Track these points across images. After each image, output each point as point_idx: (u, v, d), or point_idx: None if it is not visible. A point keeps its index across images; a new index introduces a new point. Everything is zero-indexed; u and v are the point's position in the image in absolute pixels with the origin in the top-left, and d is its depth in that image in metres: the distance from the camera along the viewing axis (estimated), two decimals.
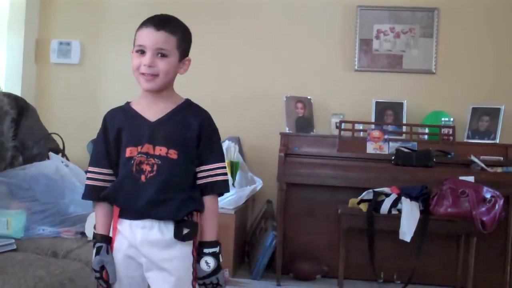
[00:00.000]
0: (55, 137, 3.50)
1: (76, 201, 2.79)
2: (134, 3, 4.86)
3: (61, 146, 3.49)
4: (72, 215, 2.77)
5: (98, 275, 1.77)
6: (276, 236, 4.01)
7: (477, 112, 4.41)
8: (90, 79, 5.01)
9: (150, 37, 1.75)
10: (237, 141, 4.58)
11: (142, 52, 1.75)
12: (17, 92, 4.34)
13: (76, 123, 4.83)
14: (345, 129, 4.28)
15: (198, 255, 1.78)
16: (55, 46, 4.97)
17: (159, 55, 1.75)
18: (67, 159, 3.32)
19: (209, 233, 1.80)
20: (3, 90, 3.11)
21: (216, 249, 1.80)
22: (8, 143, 2.92)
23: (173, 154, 1.75)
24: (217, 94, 4.69)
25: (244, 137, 4.73)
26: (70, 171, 2.95)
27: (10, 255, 2.28)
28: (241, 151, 4.56)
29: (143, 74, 1.75)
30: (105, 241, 1.79)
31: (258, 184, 4.32)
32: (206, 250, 1.79)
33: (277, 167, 4.05)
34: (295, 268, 4.11)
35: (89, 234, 2.62)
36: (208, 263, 1.78)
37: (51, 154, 3.12)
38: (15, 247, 2.40)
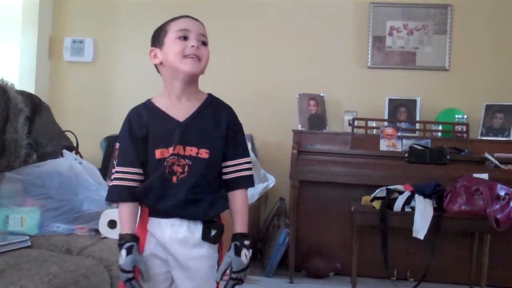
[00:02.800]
0: (68, 134, 3.50)
1: (90, 199, 2.79)
2: (147, 1, 4.86)
3: (74, 144, 3.49)
4: (85, 212, 2.77)
5: (131, 275, 1.68)
6: (289, 234, 4.01)
7: (491, 109, 4.38)
8: (103, 77, 5.03)
9: (193, 23, 1.77)
10: (250, 138, 4.58)
11: (184, 38, 1.74)
12: (31, 89, 4.37)
13: (89, 121, 4.86)
14: (358, 126, 4.27)
15: (237, 247, 1.73)
16: (69, 44, 4.99)
17: (201, 42, 1.76)
18: (81, 156, 3.32)
19: (243, 226, 1.78)
20: (17, 88, 3.11)
21: (249, 242, 1.78)
22: (22, 141, 2.93)
23: (204, 153, 1.73)
24: (229, 91, 4.59)
25: (257, 134, 4.73)
26: (83, 168, 2.95)
27: (24, 251, 2.29)
28: (253, 149, 4.55)
29: (186, 56, 1.73)
30: (135, 240, 1.73)
31: (271, 181, 4.31)
32: (246, 242, 1.75)
33: (289, 165, 4.04)
34: (308, 265, 4.11)
35: (103, 231, 2.63)
36: (246, 256, 1.74)
37: (64, 151, 3.12)
38: (29, 244, 2.40)
